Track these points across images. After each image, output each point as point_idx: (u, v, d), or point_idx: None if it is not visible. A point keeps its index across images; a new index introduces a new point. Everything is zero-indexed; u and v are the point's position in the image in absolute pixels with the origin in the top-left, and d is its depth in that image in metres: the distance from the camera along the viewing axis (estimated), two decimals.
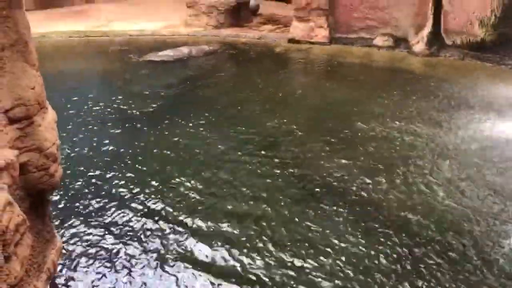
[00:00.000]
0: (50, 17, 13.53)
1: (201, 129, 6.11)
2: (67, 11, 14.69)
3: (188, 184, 4.72)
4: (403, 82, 8.23)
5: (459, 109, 6.78)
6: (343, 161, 5.23)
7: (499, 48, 8.91)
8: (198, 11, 12.57)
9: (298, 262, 3.59)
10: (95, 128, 6.15)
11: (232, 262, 3.59)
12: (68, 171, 4.71)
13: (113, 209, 4.29)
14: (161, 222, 4.08)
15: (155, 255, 3.66)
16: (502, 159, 5.27)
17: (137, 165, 5.13)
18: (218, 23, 12.46)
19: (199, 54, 10.11)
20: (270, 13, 14.67)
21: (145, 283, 3.38)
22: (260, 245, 3.79)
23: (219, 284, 3.36)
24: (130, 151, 5.48)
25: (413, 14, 10.01)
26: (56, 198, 4.32)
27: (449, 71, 8.83)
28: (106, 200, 4.43)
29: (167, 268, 3.52)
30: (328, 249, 3.73)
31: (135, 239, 3.86)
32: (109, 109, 6.79)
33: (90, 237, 3.89)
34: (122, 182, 4.76)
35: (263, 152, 5.45)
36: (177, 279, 3.41)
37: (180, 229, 3.99)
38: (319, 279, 3.41)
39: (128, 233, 3.94)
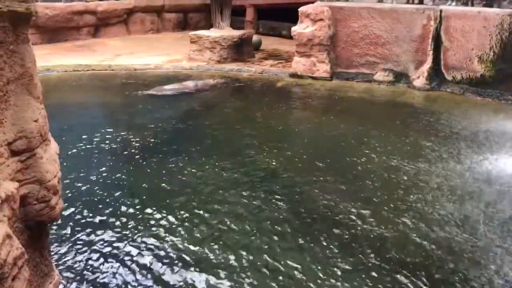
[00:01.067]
0: (56, 51, 13.77)
1: (198, 161, 6.10)
2: (72, 46, 14.97)
3: (180, 216, 4.69)
4: (404, 117, 8.28)
5: (459, 144, 6.79)
6: (341, 196, 5.19)
7: (499, 84, 9.02)
8: (202, 46, 12.80)
9: None
10: (94, 160, 6.15)
11: None
12: (66, 203, 4.70)
13: (110, 241, 4.25)
14: (155, 254, 4.04)
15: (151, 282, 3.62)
16: (501, 195, 5.23)
17: (134, 197, 5.12)
18: (221, 58, 12.66)
19: (204, 87, 10.18)
20: (272, 48, 14.94)
21: None
22: (248, 280, 3.73)
23: None
24: (127, 183, 5.49)
25: (413, 50, 10.18)
26: (54, 230, 4.29)
27: (449, 106, 8.89)
28: (104, 233, 4.39)
29: None
30: None
31: (133, 270, 3.81)
32: (108, 141, 6.80)
33: (88, 269, 3.84)
34: (117, 215, 4.74)
35: (259, 185, 5.43)
36: None
37: (175, 260, 3.95)
38: None
39: (125, 265, 3.89)
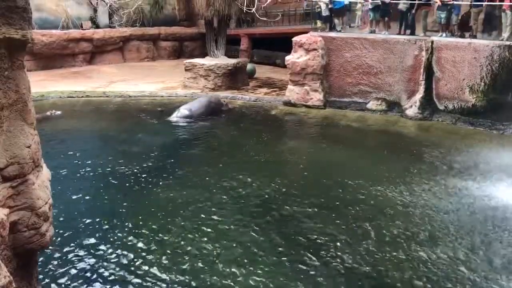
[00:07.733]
0: (51, 78, 13.81)
1: (189, 188, 6.07)
2: (67, 72, 15.03)
3: (170, 242, 4.68)
4: (396, 146, 8.30)
5: (449, 173, 6.78)
6: (330, 223, 5.17)
7: (490, 113, 9.13)
8: (196, 74, 12.90)
9: None
10: (86, 187, 6.12)
11: None
12: (57, 230, 4.64)
13: (101, 269, 4.20)
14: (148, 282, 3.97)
15: None
16: (489, 224, 5.22)
17: (123, 223, 5.09)
18: (216, 86, 12.74)
19: (218, 106, 10.34)
20: (266, 77, 15.07)
21: None
22: None
23: None
24: (118, 209, 5.46)
25: (405, 80, 10.30)
26: (43, 258, 4.22)
27: (441, 136, 8.94)
28: (94, 260, 4.35)
29: None
30: None
31: None
32: (101, 168, 6.76)
33: None
34: (108, 241, 4.70)
35: (249, 214, 5.40)
36: None
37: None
38: None
39: None
